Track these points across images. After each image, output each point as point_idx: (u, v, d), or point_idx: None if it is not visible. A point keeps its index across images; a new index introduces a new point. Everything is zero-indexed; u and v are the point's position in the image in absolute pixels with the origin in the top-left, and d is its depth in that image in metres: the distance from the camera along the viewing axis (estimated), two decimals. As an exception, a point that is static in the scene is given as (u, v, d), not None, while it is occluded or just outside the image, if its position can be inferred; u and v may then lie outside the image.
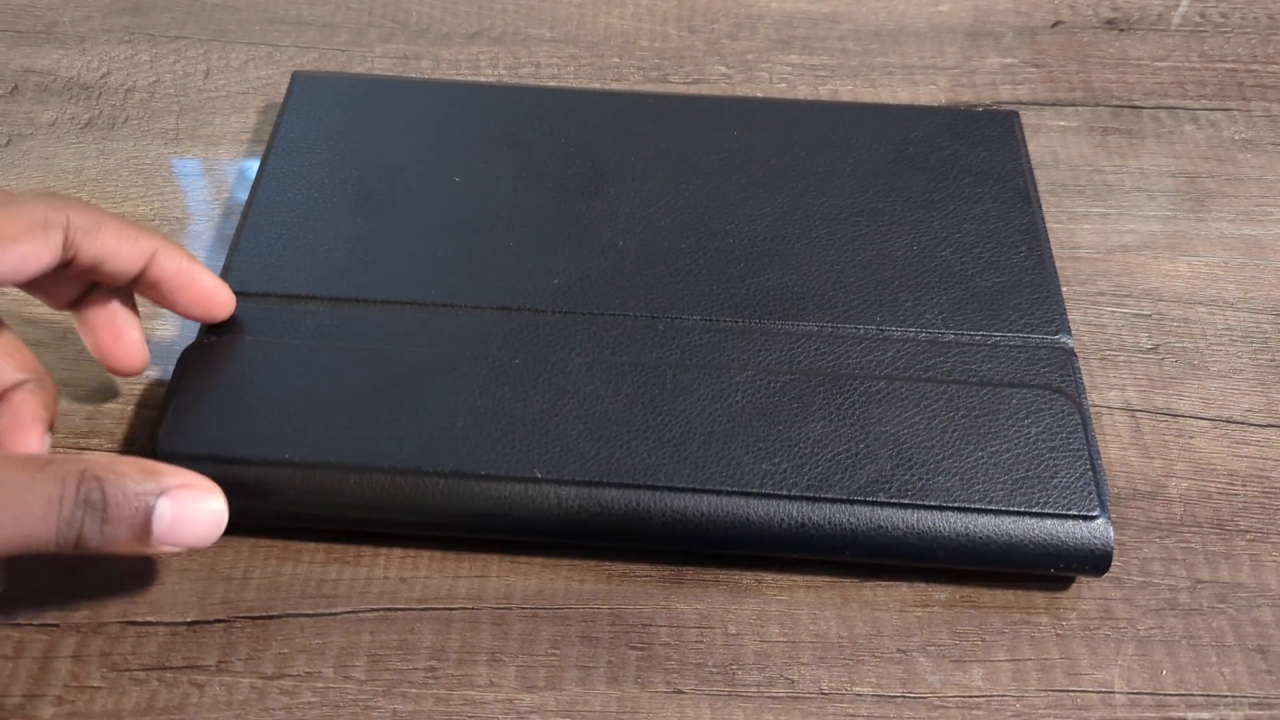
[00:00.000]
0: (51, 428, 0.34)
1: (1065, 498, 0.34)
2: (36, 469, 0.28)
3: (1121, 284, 0.43)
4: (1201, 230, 0.46)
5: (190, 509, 0.30)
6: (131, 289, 0.36)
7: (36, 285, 0.35)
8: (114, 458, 0.30)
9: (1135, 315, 0.42)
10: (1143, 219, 0.46)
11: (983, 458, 0.35)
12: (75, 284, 0.36)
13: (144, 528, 0.29)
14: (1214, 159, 0.49)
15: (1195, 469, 0.38)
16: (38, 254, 0.32)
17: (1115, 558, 0.36)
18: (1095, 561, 0.34)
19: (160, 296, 0.36)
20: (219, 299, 0.37)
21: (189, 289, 0.36)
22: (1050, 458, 0.35)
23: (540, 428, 0.35)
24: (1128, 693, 0.33)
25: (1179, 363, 0.41)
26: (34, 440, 0.33)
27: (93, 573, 0.34)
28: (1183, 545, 0.36)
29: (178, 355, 0.37)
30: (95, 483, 0.29)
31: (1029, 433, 0.36)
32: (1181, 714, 0.33)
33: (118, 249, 0.34)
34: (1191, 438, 0.39)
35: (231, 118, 0.48)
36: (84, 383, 0.39)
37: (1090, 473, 0.35)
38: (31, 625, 0.33)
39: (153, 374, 0.39)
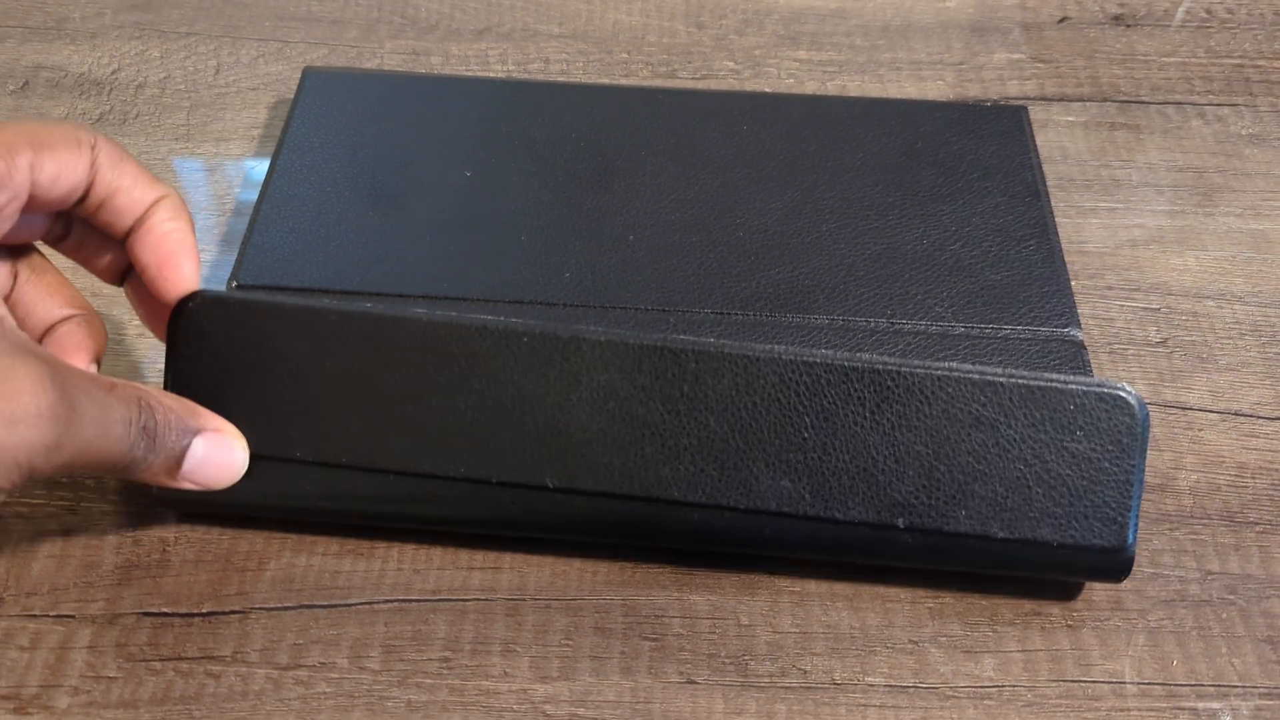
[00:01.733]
0: (98, 360, 0.35)
1: (1098, 529, 0.33)
2: (109, 388, 0.30)
3: (1130, 278, 0.44)
4: (1209, 225, 0.46)
5: (218, 453, 0.33)
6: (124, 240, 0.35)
7: (79, 247, 0.35)
8: (160, 391, 0.32)
9: (1144, 309, 0.43)
10: (1150, 214, 0.46)
11: (1019, 476, 0.33)
12: (114, 247, 0.35)
13: (178, 461, 0.32)
14: (1221, 154, 0.49)
15: (1204, 461, 0.38)
16: (73, 165, 0.32)
17: (1125, 549, 0.36)
18: (1114, 577, 0.34)
19: (135, 239, 0.34)
20: (178, 266, 0.34)
21: (161, 241, 0.34)
22: (1094, 480, 0.33)
23: (551, 426, 0.34)
24: (1138, 683, 0.33)
25: (1188, 356, 0.41)
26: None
27: (109, 563, 0.35)
28: (1192, 537, 0.36)
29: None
30: (149, 411, 0.31)
31: (1075, 450, 0.33)
32: (1192, 704, 0.33)
33: (134, 184, 0.34)
34: (1200, 430, 0.39)
35: (242, 113, 0.49)
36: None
37: (1129, 504, 0.33)
38: (48, 616, 0.34)
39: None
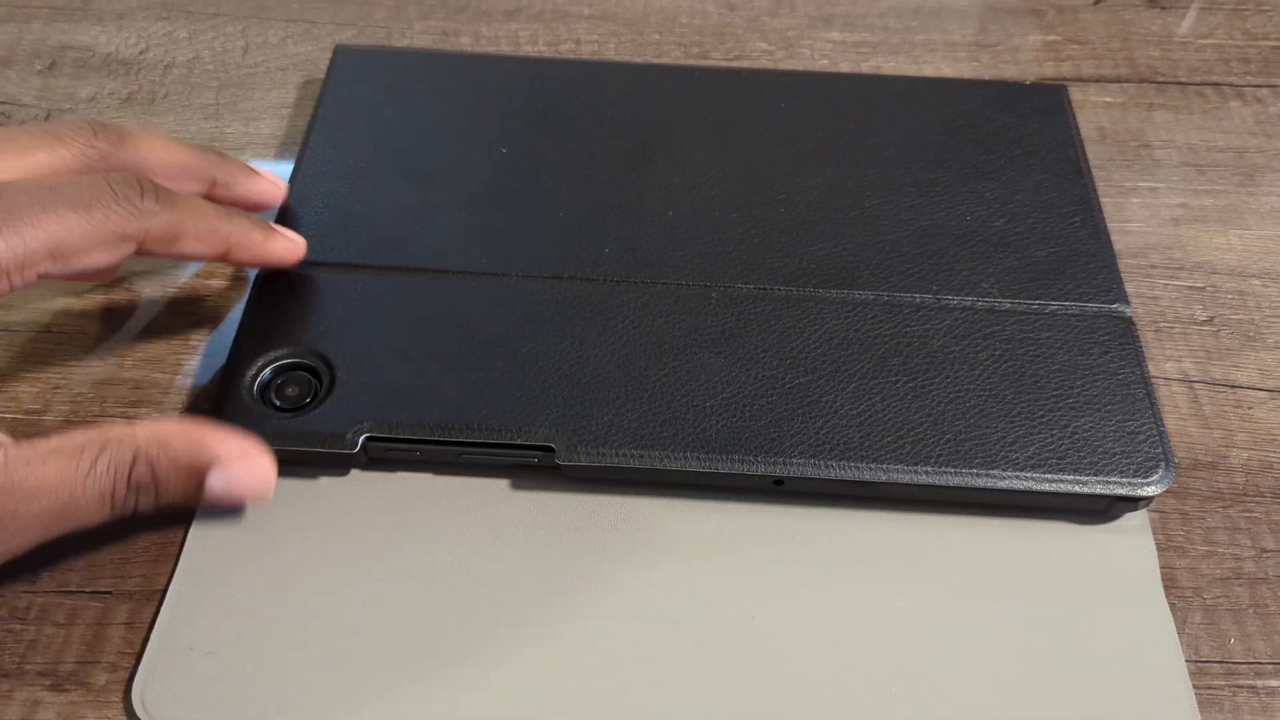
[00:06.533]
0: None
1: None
2: (90, 463, 0.29)
3: (1173, 257, 0.43)
4: (1252, 204, 0.45)
5: (240, 478, 0.31)
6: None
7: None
8: (164, 428, 0.30)
9: (1189, 288, 0.42)
10: (1192, 193, 0.45)
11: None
12: None
13: (196, 492, 0.30)
14: (1261, 134, 0.48)
15: (1255, 439, 0.38)
16: (105, 262, 0.31)
17: (1179, 527, 0.35)
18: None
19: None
20: (287, 259, 0.37)
21: (260, 263, 0.36)
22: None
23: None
24: (1196, 661, 0.32)
25: (1235, 334, 0.41)
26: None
27: (145, 539, 0.34)
28: (1246, 515, 0.36)
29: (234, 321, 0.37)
30: (146, 466, 0.29)
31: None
32: (1251, 682, 0.32)
33: (192, 253, 0.34)
34: (1250, 408, 0.38)
35: (271, 93, 0.48)
36: (130, 353, 0.39)
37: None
38: (84, 592, 0.33)
39: (198, 343, 0.39)
